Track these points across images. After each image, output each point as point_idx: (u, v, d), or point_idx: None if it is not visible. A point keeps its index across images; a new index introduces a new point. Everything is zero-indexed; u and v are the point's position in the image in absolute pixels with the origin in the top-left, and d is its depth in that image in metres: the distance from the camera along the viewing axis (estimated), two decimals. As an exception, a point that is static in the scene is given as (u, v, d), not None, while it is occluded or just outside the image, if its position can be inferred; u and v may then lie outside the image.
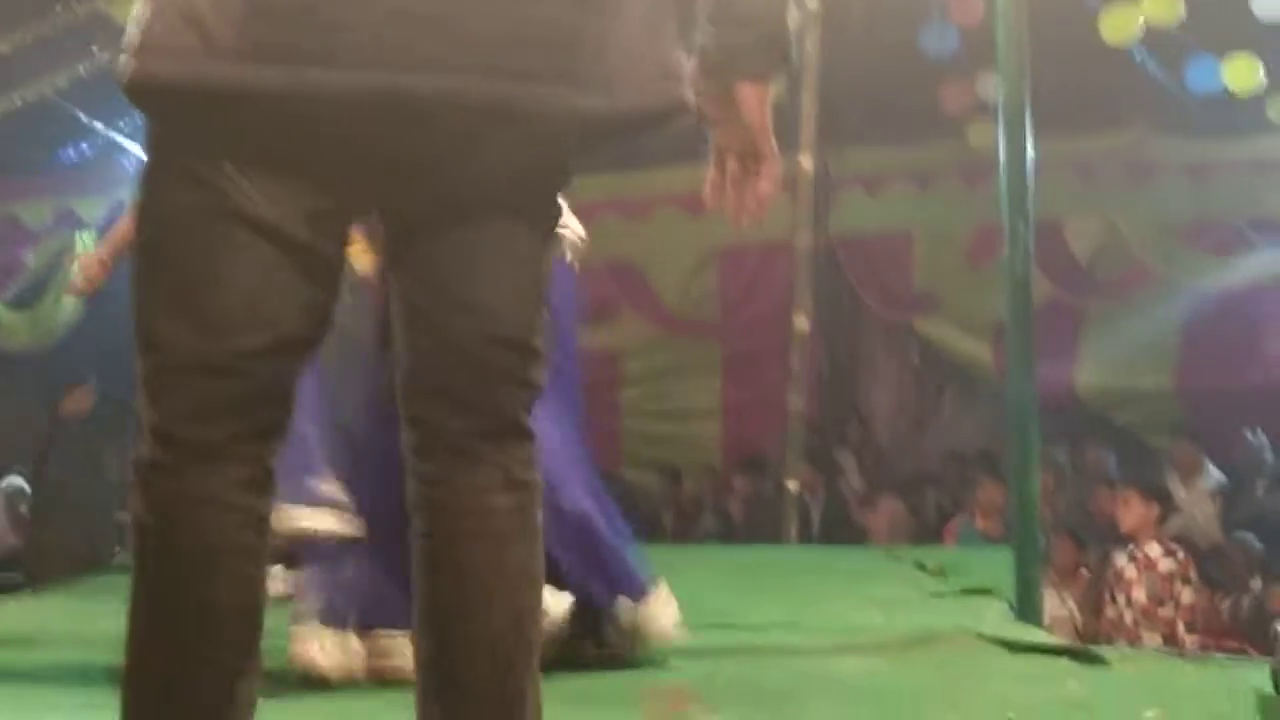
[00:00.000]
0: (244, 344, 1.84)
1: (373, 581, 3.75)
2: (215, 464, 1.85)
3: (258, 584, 1.92)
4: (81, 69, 9.32)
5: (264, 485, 1.91)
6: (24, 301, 11.34)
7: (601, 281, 11.66)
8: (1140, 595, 7.30)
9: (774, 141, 2.20)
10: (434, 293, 1.96)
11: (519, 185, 1.94)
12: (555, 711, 2.04)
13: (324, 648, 3.68)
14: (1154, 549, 7.33)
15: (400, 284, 2.00)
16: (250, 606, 1.91)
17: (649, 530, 10.06)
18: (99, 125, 10.47)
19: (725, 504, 11.04)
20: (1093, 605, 7.88)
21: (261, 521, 1.90)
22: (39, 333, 11.20)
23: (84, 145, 11.05)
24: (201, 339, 1.84)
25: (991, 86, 7.63)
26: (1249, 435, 10.41)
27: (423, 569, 2.00)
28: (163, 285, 1.86)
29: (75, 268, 5.45)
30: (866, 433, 12.16)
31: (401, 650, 3.59)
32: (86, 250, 5.61)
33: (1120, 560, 7.40)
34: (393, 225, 2.00)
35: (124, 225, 5.42)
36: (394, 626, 3.63)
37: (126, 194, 5.99)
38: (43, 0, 8.62)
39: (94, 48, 9.19)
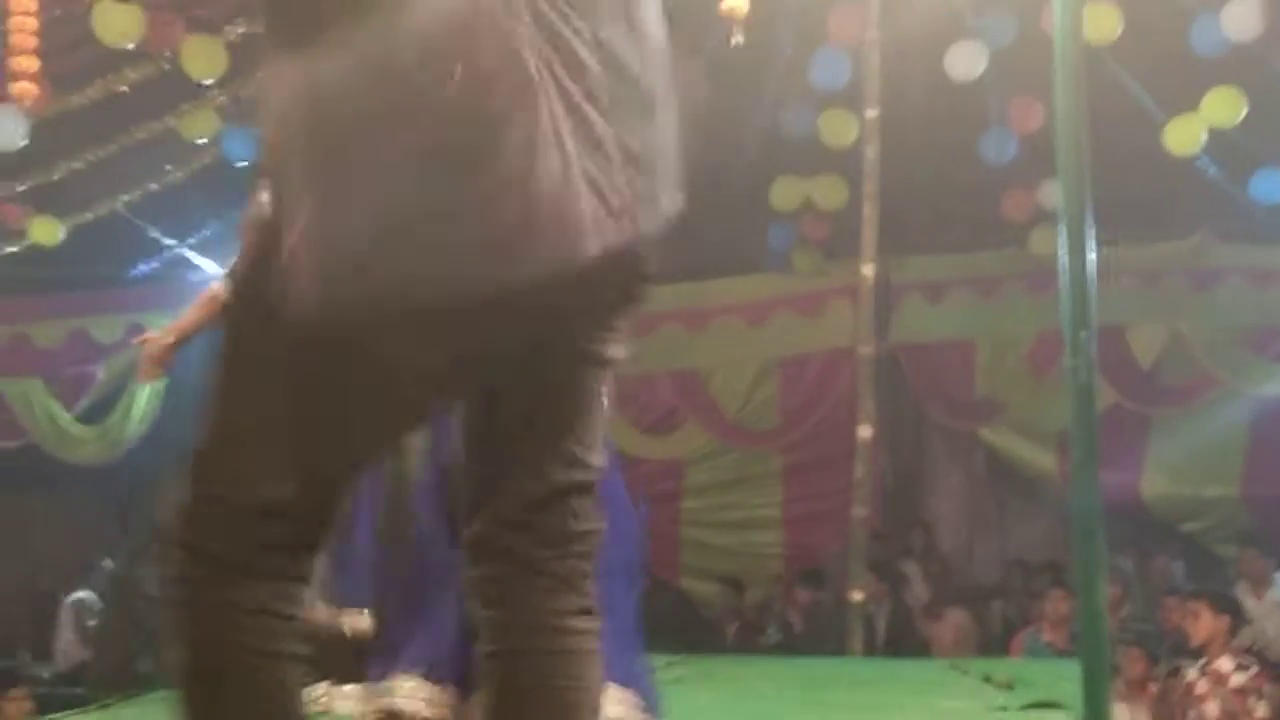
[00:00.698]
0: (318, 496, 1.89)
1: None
2: (251, 578, 1.87)
3: (298, 690, 1.94)
4: (153, 185, 9.49)
5: (299, 596, 1.93)
6: (94, 415, 11.47)
7: (663, 391, 11.70)
8: (1213, 710, 7.17)
9: None
10: (530, 441, 2.03)
11: (614, 314, 2.05)
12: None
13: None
14: (1225, 663, 7.21)
15: (491, 429, 2.05)
16: (294, 713, 1.92)
17: (711, 641, 9.99)
18: (169, 241, 10.63)
19: (788, 615, 10.96)
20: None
21: (300, 629, 1.92)
22: (108, 445, 11.31)
23: (154, 260, 11.22)
24: (280, 487, 1.86)
25: (1052, 193, 7.65)
26: None
27: (498, 684, 2.02)
28: (272, 444, 1.87)
29: (139, 354, 5.47)
30: (931, 542, 12.06)
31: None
32: (151, 333, 5.59)
33: (1192, 674, 7.28)
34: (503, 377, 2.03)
35: (195, 311, 5.48)
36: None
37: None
38: (114, 116, 8.79)
39: (166, 165, 9.37)
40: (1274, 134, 9.15)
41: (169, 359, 5.41)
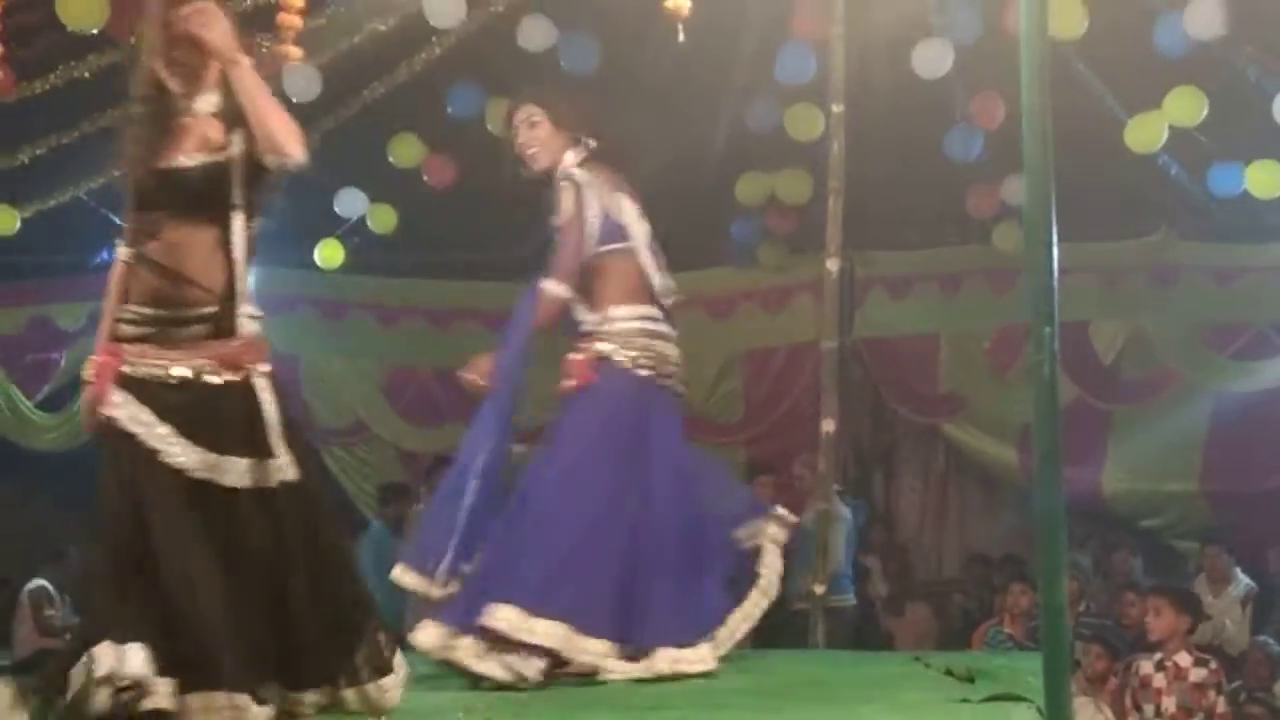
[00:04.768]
0: None
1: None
2: None
3: None
4: (115, 172, 9.44)
5: None
6: (56, 403, 11.41)
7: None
8: (1170, 705, 7.23)
9: None
10: None
11: None
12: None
13: None
14: (1184, 658, 7.26)
15: None
16: None
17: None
18: (132, 228, 10.56)
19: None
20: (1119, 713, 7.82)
21: None
22: (69, 433, 11.27)
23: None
24: None
25: (1016, 190, 7.68)
26: None
27: None
28: None
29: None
30: (891, 536, 12.10)
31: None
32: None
33: (1147, 668, 7.33)
34: None
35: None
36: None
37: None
38: (77, 103, 8.74)
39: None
40: (1233, 132, 9.21)
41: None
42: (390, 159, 10.01)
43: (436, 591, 5.30)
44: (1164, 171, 9.65)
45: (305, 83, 8.72)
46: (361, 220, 10.68)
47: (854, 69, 8.46)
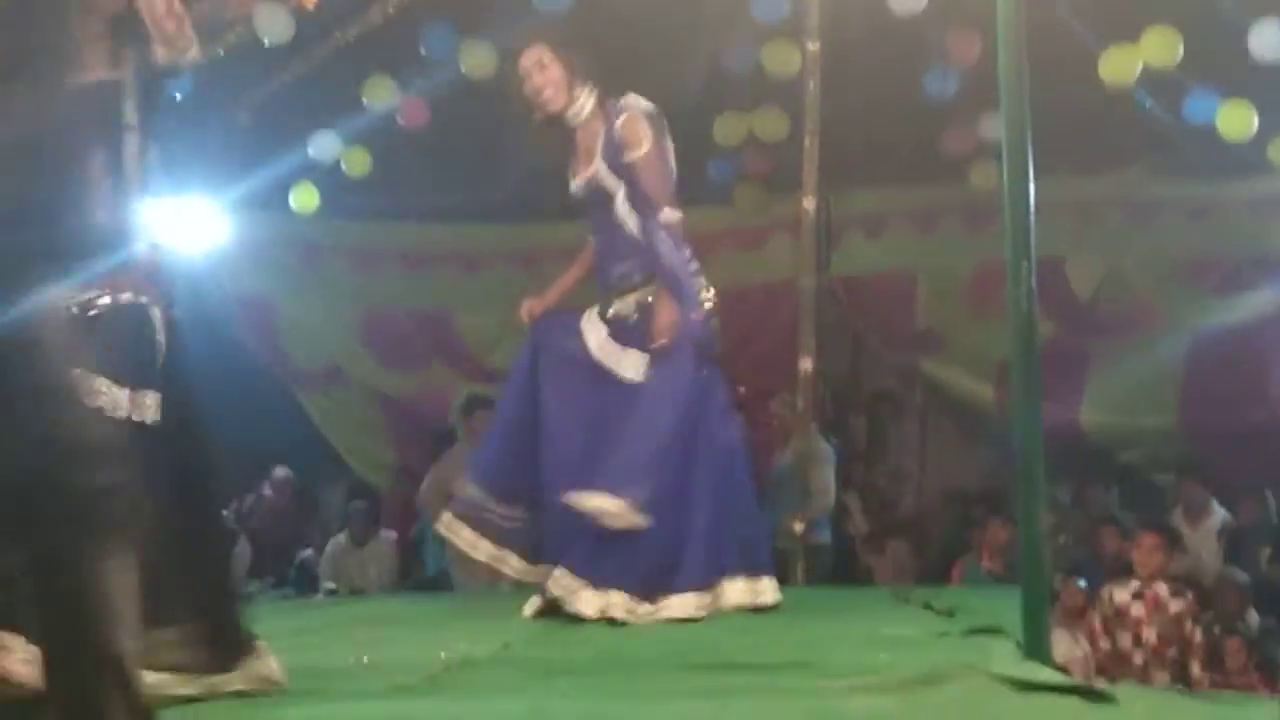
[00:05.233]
0: None
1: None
2: None
3: None
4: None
5: None
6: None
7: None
8: (1150, 635, 7.30)
9: None
10: None
11: None
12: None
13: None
14: (1162, 589, 7.33)
15: None
16: None
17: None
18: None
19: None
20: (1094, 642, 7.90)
21: None
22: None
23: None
24: None
25: (993, 127, 7.67)
26: (1268, 495, 10.35)
27: None
28: None
29: None
30: (870, 474, 12.13)
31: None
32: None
33: (1122, 596, 7.40)
34: None
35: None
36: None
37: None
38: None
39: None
40: (1208, 63, 9.19)
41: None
42: (364, 101, 9.95)
43: (625, 520, 5.28)
44: (1139, 106, 9.63)
45: (278, 25, 8.66)
46: (336, 164, 10.61)
47: (829, 5, 8.47)
